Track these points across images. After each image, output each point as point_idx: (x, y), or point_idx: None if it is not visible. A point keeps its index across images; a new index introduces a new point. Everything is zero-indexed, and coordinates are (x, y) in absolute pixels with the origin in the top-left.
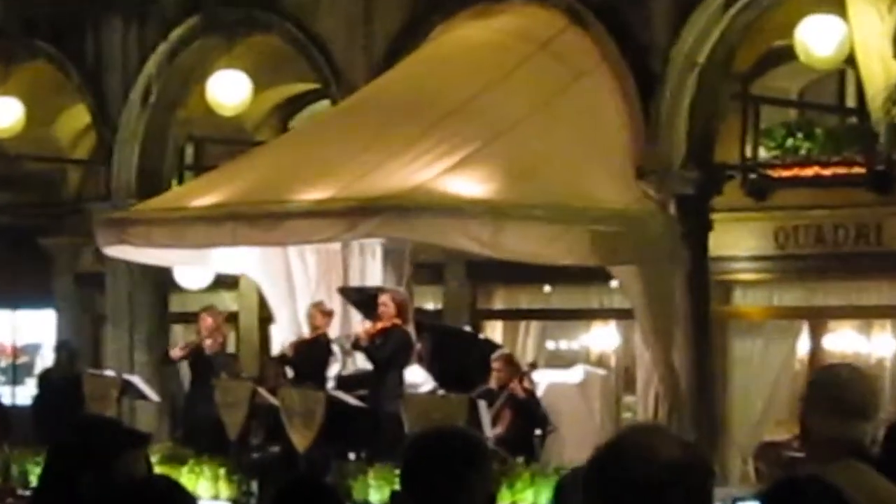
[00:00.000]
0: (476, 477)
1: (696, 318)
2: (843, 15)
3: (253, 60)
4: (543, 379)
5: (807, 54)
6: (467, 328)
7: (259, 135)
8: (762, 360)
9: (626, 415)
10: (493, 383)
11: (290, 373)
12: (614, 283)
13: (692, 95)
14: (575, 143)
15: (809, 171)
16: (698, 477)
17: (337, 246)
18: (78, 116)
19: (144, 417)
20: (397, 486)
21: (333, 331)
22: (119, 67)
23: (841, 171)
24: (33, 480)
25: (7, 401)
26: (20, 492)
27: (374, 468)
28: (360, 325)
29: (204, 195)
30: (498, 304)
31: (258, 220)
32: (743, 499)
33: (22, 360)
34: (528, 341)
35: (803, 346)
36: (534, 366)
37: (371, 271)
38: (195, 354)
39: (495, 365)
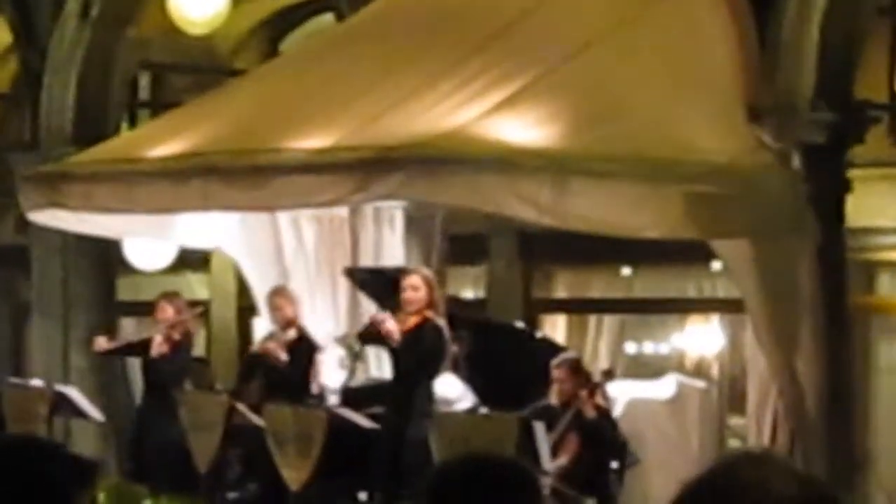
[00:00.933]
0: None
1: (829, 311)
2: None
3: None
4: (622, 393)
5: None
6: (520, 324)
7: (238, 62)
8: None
9: (733, 441)
10: (553, 398)
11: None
12: (717, 264)
13: (824, 10)
14: (665, 73)
15: None
16: None
17: (343, 212)
18: None
19: (83, 442)
20: None
21: (339, 326)
22: None
23: None
24: None
25: None
26: None
27: None
28: (383, 318)
29: (164, 142)
30: (560, 291)
31: (237, 175)
32: None
33: None
34: (600, 342)
35: None
36: (609, 375)
37: (389, 245)
38: (149, 359)
39: (557, 374)
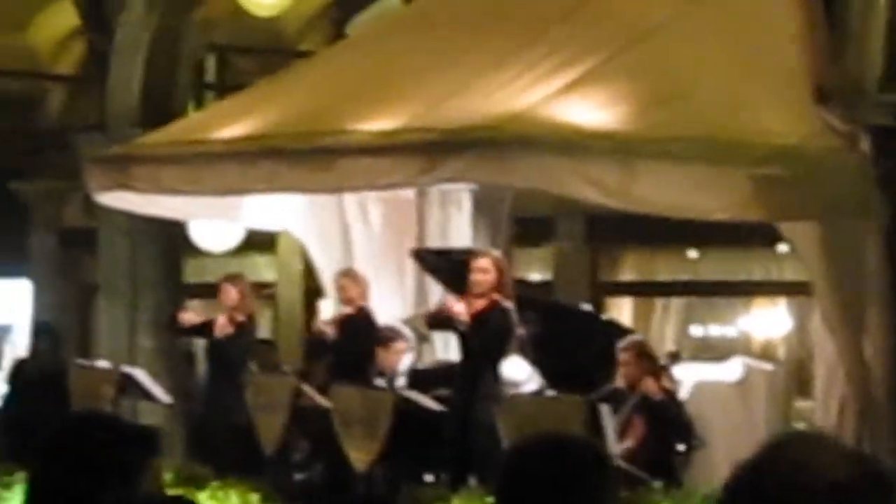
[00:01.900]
0: (597, 500)
1: None
2: None
3: None
4: (688, 376)
5: None
6: (586, 307)
7: (304, 44)
8: None
9: (800, 425)
10: (620, 381)
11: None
12: (784, 247)
13: None
14: (732, 56)
15: None
16: (876, 501)
17: (410, 194)
18: (61, 18)
19: (150, 423)
20: None
21: (406, 308)
22: None
23: None
24: None
25: None
26: None
27: (460, 495)
28: (448, 300)
29: (230, 125)
30: (627, 274)
31: (304, 157)
32: None
33: None
34: (667, 325)
35: None
36: (675, 358)
37: (456, 227)
38: (213, 341)
39: (623, 357)
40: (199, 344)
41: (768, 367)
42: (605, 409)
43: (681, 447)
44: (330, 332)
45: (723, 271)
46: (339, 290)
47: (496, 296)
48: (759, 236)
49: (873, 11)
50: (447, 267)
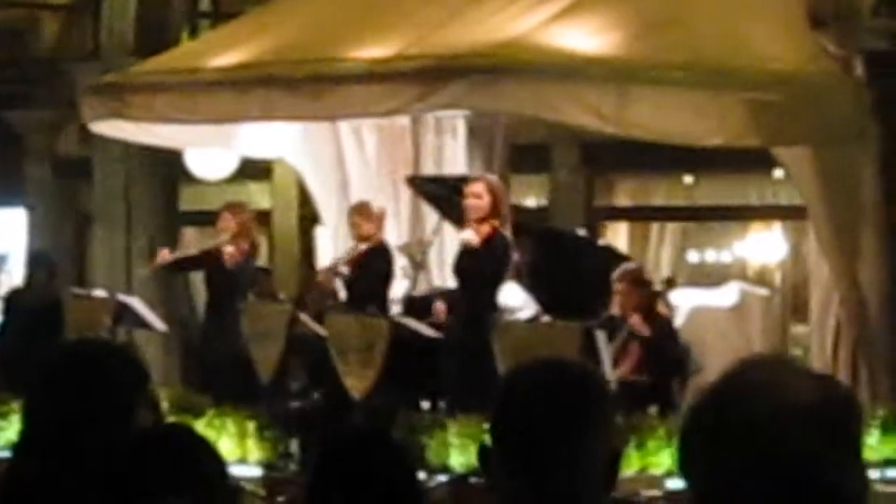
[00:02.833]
0: (596, 427)
1: (892, 218)
2: None
3: None
4: (684, 302)
5: None
6: (581, 232)
7: None
8: None
9: (796, 350)
10: (615, 308)
11: (342, 293)
12: (779, 172)
13: None
14: None
15: None
16: (838, 422)
17: (405, 121)
18: None
19: (146, 352)
20: (486, 440)
21: (401, 235)
22: None
23: None
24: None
25: None
26: None
27: (456, 421)
28: (456, 229)
29: (226, 53)
30: (622, 199)
31: (299, 85)
32: None
33: None
34: (662, 250)
35: None
36: (671, 283)
37: (451, 154)
38: (214, 267)
39: (618, 285)
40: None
41: (764, 292)
42: (600, 336)
43: (676, 372)
44: (345, 271)
45: (718, 196)
46: (350, 226)
47: (494, 222)
48: (755, 161)
49: None
50: (442, 193)
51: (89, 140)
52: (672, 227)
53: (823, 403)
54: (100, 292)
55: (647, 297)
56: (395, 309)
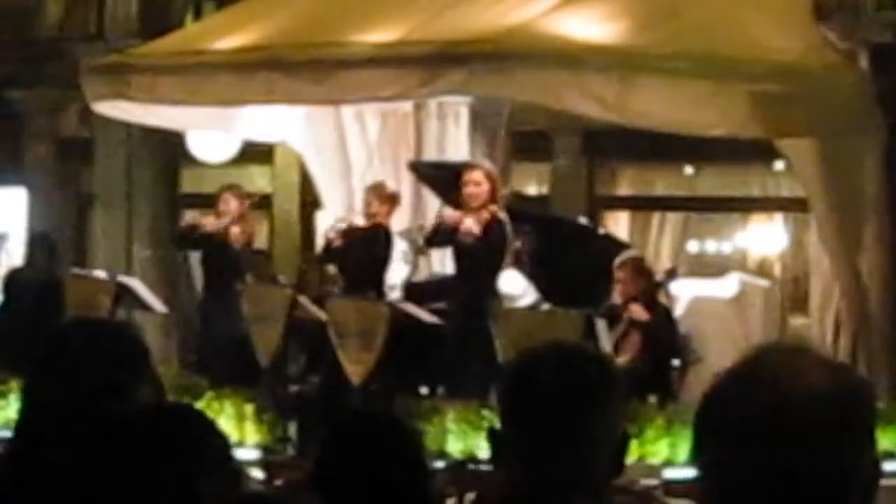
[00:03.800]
0: (606, 411)
1: (894, 210)
2: None
3: None
4: (684, 292)
5: None
6: (582, 220)
7: None
8: None
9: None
10: (616, 297)
11: (331, 270)
12: (781, 164)
13: None
14: None
15: None
16: (852, 410)
17: (408, 107)
18: None
19: (146, 334)
20: (491, 424)
21: (402, 220)
22: None
23: None
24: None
25: None
26: None
27: (455, 407)
28: (447, 215)
29: (229, 35)
30: (624, 188)
31: (302, 68)
32: None
33: None
34: (663, 240)
35: None
36: (672, 274)
37: (453, 140)
38: (211, 249)
39: (619, 273)
40: (194, 254)
41: (764, 283)
42: (601, 324)
43: (676, 363)
44: (335, 242)
45: (720, 187)
46: (364, 205)
47: (493, 208)
48: (757, 153)
49: None
50: (443, 179)
51: (91, 121)
52: (673, 217)
53: (838, 391)
54: (100, 273)
55: (648, 286)
56: (395, 294)
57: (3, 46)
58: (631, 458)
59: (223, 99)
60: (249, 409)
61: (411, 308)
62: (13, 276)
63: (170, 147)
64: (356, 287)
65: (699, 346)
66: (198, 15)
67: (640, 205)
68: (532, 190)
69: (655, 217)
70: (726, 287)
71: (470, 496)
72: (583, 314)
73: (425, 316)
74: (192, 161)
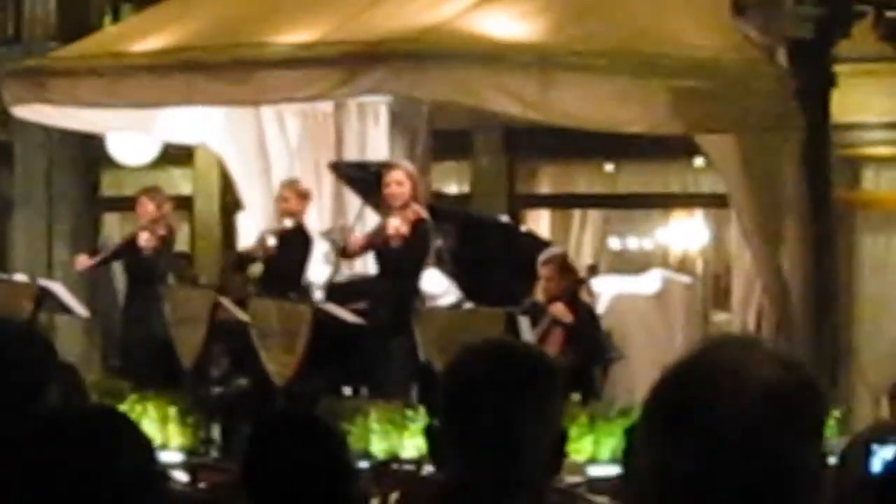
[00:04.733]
0: (545, 407)
1: (815, 206)
2: None
3: None
4: (606, 289)
5: None
6: (503, 219)
7: None
8: None
9: None
10: (539, 295)
11: (254, 271)
12: (701, 160)
13: None
14: None
15: None
16: (799, 405)
17: (328, 107)
18: None
19: (68, 337)
20: (414, 426)
21: (323, 220)
22: None
23: None
24: None
25: None
26: None
27: (378, 407)
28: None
29: (148, 37)
30: (544, 186)
31: (221, 70)
32: (883, 441)
33: None
34: (584, 237)
35: None
36: (593, 271)
37: (373, 140)
38: (131, 253)
39: (544, 271)
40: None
41: (686, 279)
42: (524, 322)
43: (598, 360)
44: (273, 243)
45: (640, 184)
46: (279, 201)
47: (415, 207)
48: (677, 149)
49: None
50: (364, 179)
51: (10, 125)
52: (594, 215)
53: (785, 385)
54: (20, 276)
55: (571, 284)
56: (318, 295)
57: None
58: None
59: (142, 100)
60: (173, 411)
61: (334, 308)
62: None
63: (90, 150)
64: (276, 288)
65: (621, 343)
66: (116, 17)
67: (561, 203)
68: (453, 188)
69: (576, 214)
70: (648, 284)
71: (394, 496)
72: (505, 312)
73: (348, 316)
74: (112, 164)
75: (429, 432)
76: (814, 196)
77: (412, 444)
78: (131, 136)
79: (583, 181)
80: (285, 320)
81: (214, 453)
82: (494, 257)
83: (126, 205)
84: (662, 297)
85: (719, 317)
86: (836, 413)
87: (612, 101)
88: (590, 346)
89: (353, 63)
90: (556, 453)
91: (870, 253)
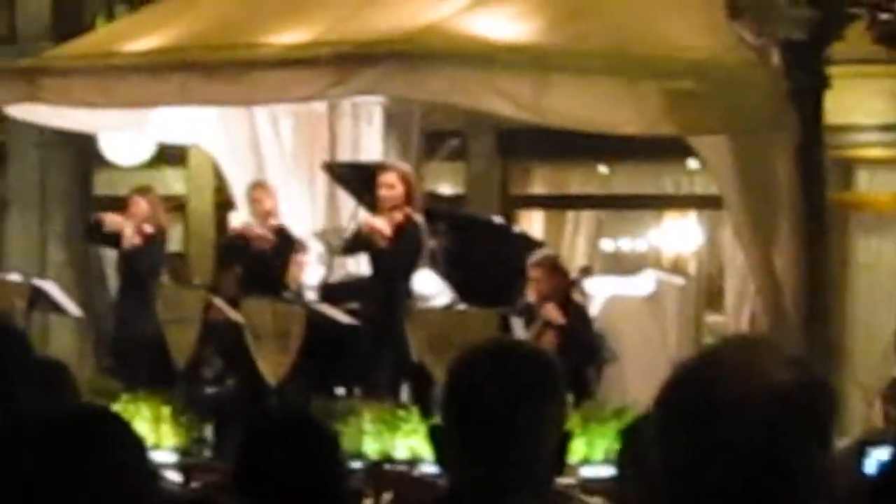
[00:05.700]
0: (549, 408)
1: (808, 207)
2: None
3: None
4: (600, 290)
5: None
6: (497, 219)
7: None
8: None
9: (710, 339)
10: (531, 296)
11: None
12: (694, 162)
13: None
14: None
15: None
16: (816, 406)
17: (321, 107)
18: None
19: (61, 336)
20: (407, 427)
21: (317, 221)
22: None
23: None
24: None
25: None
26: None
27: (371, 408)
28: (366, 221)
29: (142, 37)
30: (538, 187)
31: (215, 70)
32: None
33: None
34: (578, 239)
35: None
36: (587, 272)
37: (367, 141)
38: (123, 252)
39: (534, 273)
40: (110, 257)
41: (679, 281)
42: (516, 323)
43: (591, 361)
44: (270, 236)
45: (634, 185)
46: (253, 203)
47: (407, 209)
48: (670, 150)
49: None
50: (358, 180)
51: (3, 124)
52: (587, 216)
53: (795, 387)
54: (14, 276)
55: (563, 285)
56: (311, 295)
57: None
58: None
59: (137, 101)
60: (166, 411)
61: (327, 309)
62: None
63: (83, 150)
64: (258, 287)
65: (615, 344)
66: (110, 17)
67: (555, 203)
68: (447, 189)
69: (570, 216)
70: (641, 285)
71: (387, 496)
72: (498, 313)
73: (341, 317)
74: (106, 164)
75: (433, 434)
76: (807, 196)
77: (405, 445)
78: (124, 136)
79: (577, 182)
80: (279, 320)
81: (207, 453)
82: (487, 258)
83: (120, 204)
84: (656, 298)
85: (713, 318)
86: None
87: (606, 102)
88: (583, 347)
89: (346, 64)
90: (559, 455)
91: (863, 254)
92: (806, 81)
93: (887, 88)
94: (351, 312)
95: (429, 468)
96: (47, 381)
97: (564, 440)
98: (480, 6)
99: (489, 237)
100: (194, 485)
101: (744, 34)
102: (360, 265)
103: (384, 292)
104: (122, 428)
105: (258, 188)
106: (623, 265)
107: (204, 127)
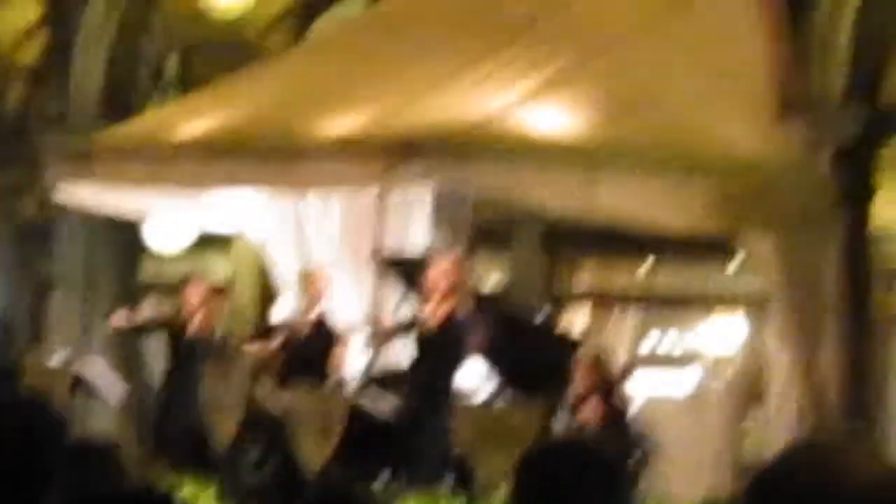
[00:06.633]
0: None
1: (854, 308)
2: None
3: None
4: (642, 388)
5: None
6: (540, 317)
7: (266, 44)
8: None
9: (753, 439)
10: (574, 391)
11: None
12: (740, 259)
13: (857, 9)
14: (696, 69)
15: None
16: None
17: (371, 192)
18: (22, 9)
19: (103, 421)
20: None
21: (363, 308)
22: None
23: None
24: None
25: None
26: None
27: (413, 496)
28: (412, 305)
29: (192, 122)
30: (583, 282)
31: (266, 157)
32: None
33: None
34: (621, 335)
35: None
36: (630, 369)
37: (416, 229)
38: (178, 337)
39: (578, 368)
40: (153, 339)
41: (722, 381)
42: (559, 419)
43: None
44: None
45: (679, 283)
46: (307, 286)
47: (456, 298)
48: (716, 249)
49: (838, 30)
50: (406, 268)
51: (51, 207)
52: (631, 312)
53: (882, 489)
54: (57, 357)
55: (605, 383)
56: (353, 385)
57: None
58: None
59: (187, 182)
60: (208, 494)
61: (368, 402)
62: None
63: (130, 232)
64: (301, 377)
65: (655, 446)
66: (161, 98)
67: (599, 300)
68: (492, 280)
69: (614, 312)
70: (684, 383)
71: None
72: (539, 410)
73: (382, 409)
74: (151, 250)
75: None
76: (853, 298)
77: None
78: (166, 224)
79: (621, 278)
80: (321, 410)
81: None
82: (531, 355)
83: (164, 289)
84: (698, 397)
85: (755, 418)
86: None
87: (656, 199)
88: (618, 448)
89: (397, 155)
90: None
91: None
92: (854, 185)
93: None
94: (392, 403)
95: None
96: (96, 463)
97: None
98: (532, 100)
99: (532, 335)
100: None
101: (794, 133)
102: (402, 355)
103: (426, 384)
104: None
105: (312, 273)
106: (666, 362)
107: (250, 214)
